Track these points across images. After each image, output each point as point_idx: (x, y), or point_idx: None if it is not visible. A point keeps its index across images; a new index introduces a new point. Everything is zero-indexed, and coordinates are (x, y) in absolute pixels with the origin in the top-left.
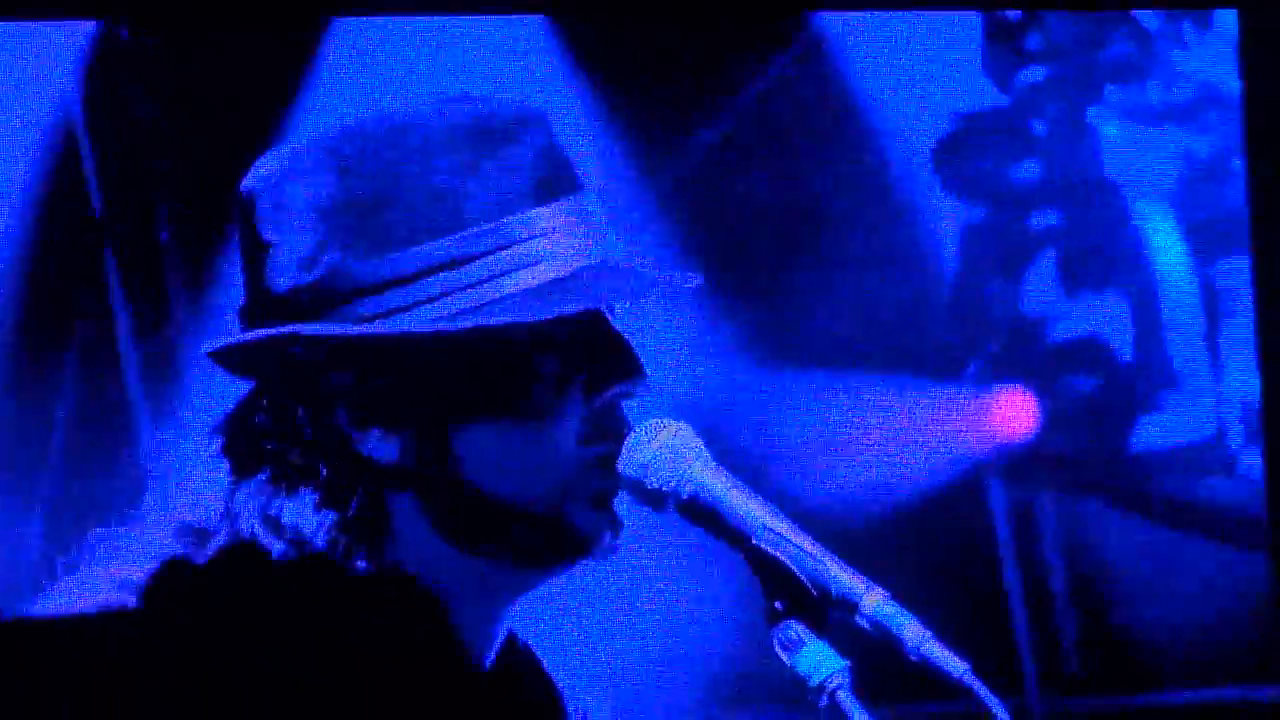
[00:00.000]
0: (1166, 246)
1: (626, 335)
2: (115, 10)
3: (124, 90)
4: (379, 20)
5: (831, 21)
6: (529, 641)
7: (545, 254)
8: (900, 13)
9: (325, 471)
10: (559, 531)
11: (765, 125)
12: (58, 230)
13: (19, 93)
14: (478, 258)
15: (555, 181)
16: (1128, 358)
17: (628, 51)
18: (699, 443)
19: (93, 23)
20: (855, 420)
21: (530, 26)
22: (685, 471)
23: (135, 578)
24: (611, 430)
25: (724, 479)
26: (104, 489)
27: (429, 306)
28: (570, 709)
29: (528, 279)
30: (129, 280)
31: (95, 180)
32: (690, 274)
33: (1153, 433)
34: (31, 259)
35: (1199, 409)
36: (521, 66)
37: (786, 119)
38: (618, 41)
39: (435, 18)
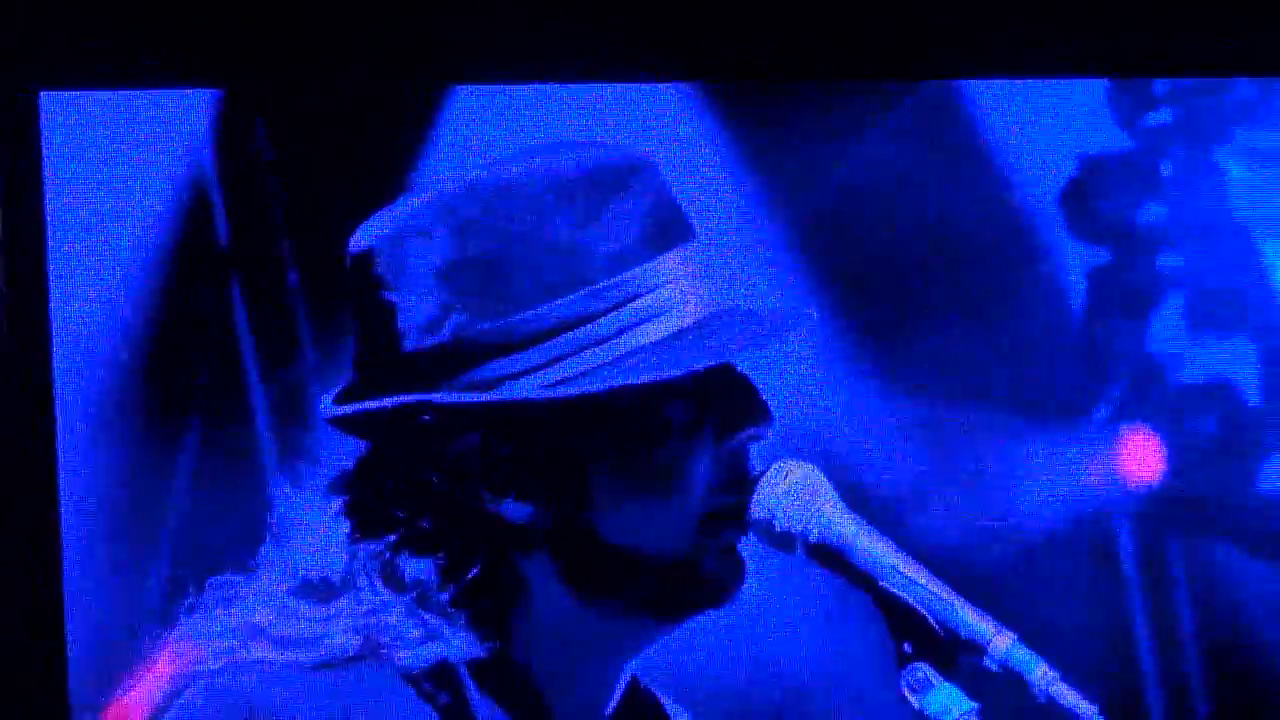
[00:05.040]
0: None
1: (752, 376)
2: (239, 79)
3: (251, 134)
4: (502, 88)
5: None
6: (651, 686)
7: (669, 305)
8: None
9: (455, 534)
10: (690, 581)
11: (893, 168)
12: (187, 273)
13: (153, 141)
14: (604, 313)
15: (669, 230)
16: (1255, 400)
17: (754, 100)
18: (827, 484)
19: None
20: (983, 461)
21: (648, 91)
22: (814, 513)
23: (257, 622)
24: (738, 476)
25: (852, 521)
26: (227, 535)
27: (557, 366)
28: None
29: (655, 331)
30: (257, 322)
31: (224, 221)
32: (806, 308)
33: (1279, 476)
34: (161, 302)
35: None
36: (647, 119)
37: (913, 162)
38: (742, 91)
39: (556, 85)
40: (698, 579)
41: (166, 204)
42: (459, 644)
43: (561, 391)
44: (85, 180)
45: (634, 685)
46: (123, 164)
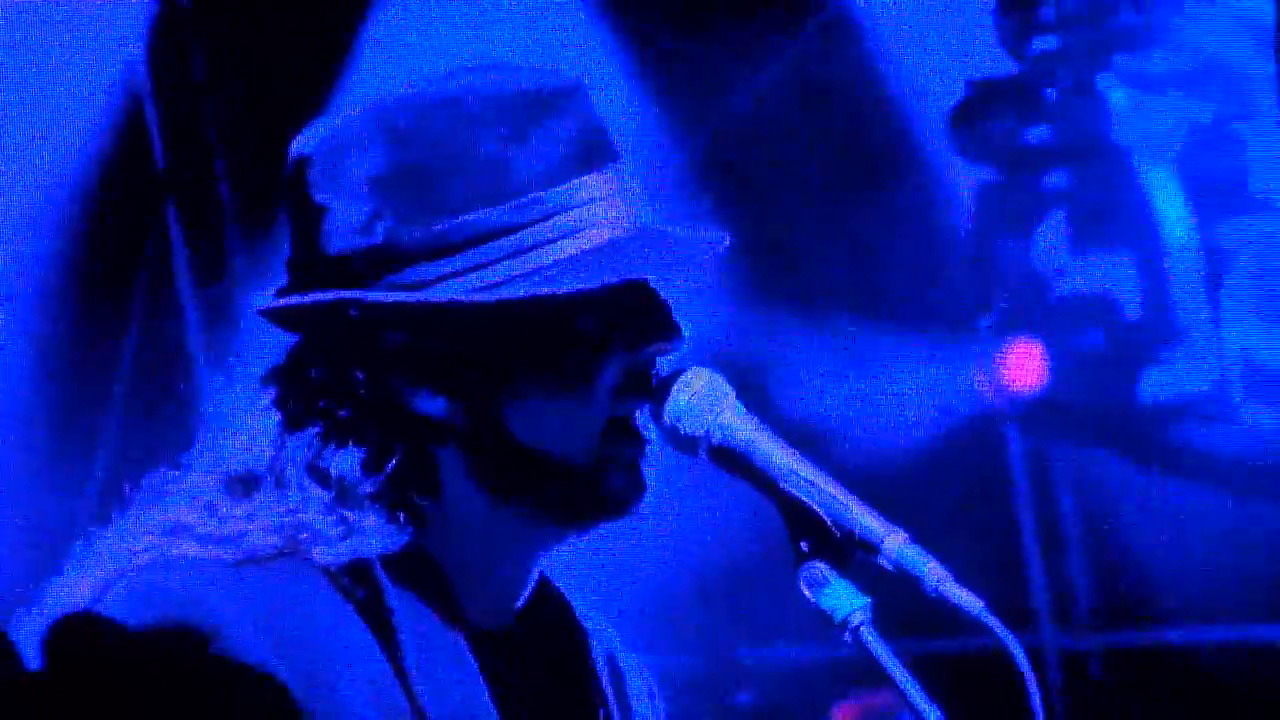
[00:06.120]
0: (1170, 207)
1: (662, 292)
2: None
3: (185, 54)
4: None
5: None
6: (559, 583)
7: (588, 222)
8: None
9: (375, 427)
10: (594, 491)
11: (793, 91)
12: (123, 185)
13: (88, 57)
14: (526, 226)
15: (595, 151)
16: (1133, 313)
17: (664, 21)
18: (730, 391)
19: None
20: (877, 371)
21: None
22: (716, 419)
23: (183, 520)
24: (645, 385)
25: (753, 426)
26: (164, 433)
27: (480, 273)
28: (595, 645)
29: (572, 247)
30: (190, 234)
31: (158, 138)
32: (720, 235)
33: (1157, 385)
34: (98, 213)
35: (1201, 363)
36: (558, 35)
37: (813, 85)
38: (654, 10)
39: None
40: (601, 491)
41: (103, 118)
42: (376, 538)
43: (483, 296)
44: (22, 94)
45: (543, 582)
46: (59, 79)
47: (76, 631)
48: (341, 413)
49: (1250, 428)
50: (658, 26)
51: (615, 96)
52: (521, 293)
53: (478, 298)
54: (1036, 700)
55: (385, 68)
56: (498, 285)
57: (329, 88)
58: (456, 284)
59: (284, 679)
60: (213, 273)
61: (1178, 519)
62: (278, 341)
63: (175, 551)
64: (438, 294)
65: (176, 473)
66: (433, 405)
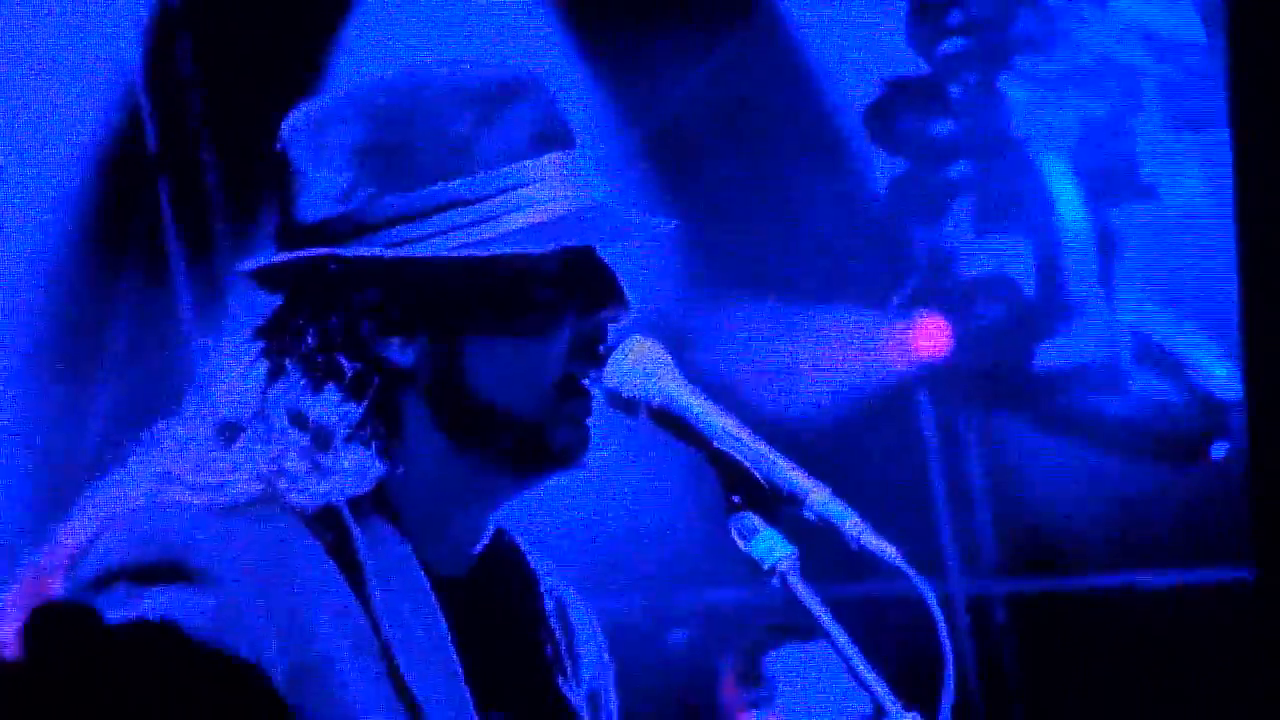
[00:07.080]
0: (1065, 194)
1: (612, 268)
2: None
3: (175, 49)
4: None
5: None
6: (513, 534)
7: (542, 198)
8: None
9: (349, 371)
10: (541, 443)
11: (726, 88)
12: (118, 167)
13: (86, 48)
14: (486, 199)
15: (552, 136)
16: (1031, 291)
17: (614, 22)
18: (668, 358)
19: None
20: (800, 343)
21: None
22: (656, 383)
23: (173, 470)
24: (593, 349)
25: (689, 390)
26: (154, 392)
27: (444, 237)
28: (545, 591)
29: (526, 219)
30: (179, 212)
31: (151, 126)
32: (665, 219)
33: (1053, 355)
34: (96, 192)
35: (1093, 335)
36: (516, 29)
37: (744, 83)
38: (606, 14)
39: None
40: (548, 443)
41: (102, 108)
42: (346, 481)
43: (448, 254)
44: (29, 87)
45: (499, 533)
46: (62, 74)
47: (55, 614)
48: (319, 358)
49: (1137, 394)
50: (607, 24)
51: (568, 87)
52: (482, 254)
53: (443, 255)
54: (946, 640)
55: (358, 66)
56: (461, 247)
57: (308, 82)
58: (424, 246)
59: (266, 621)
60: (200, 247)
61: (1073, 476)
62: (263, 305)
63: (166, 498)
64: (409, 252)
65: (169, 422)
66: (400, 355)
